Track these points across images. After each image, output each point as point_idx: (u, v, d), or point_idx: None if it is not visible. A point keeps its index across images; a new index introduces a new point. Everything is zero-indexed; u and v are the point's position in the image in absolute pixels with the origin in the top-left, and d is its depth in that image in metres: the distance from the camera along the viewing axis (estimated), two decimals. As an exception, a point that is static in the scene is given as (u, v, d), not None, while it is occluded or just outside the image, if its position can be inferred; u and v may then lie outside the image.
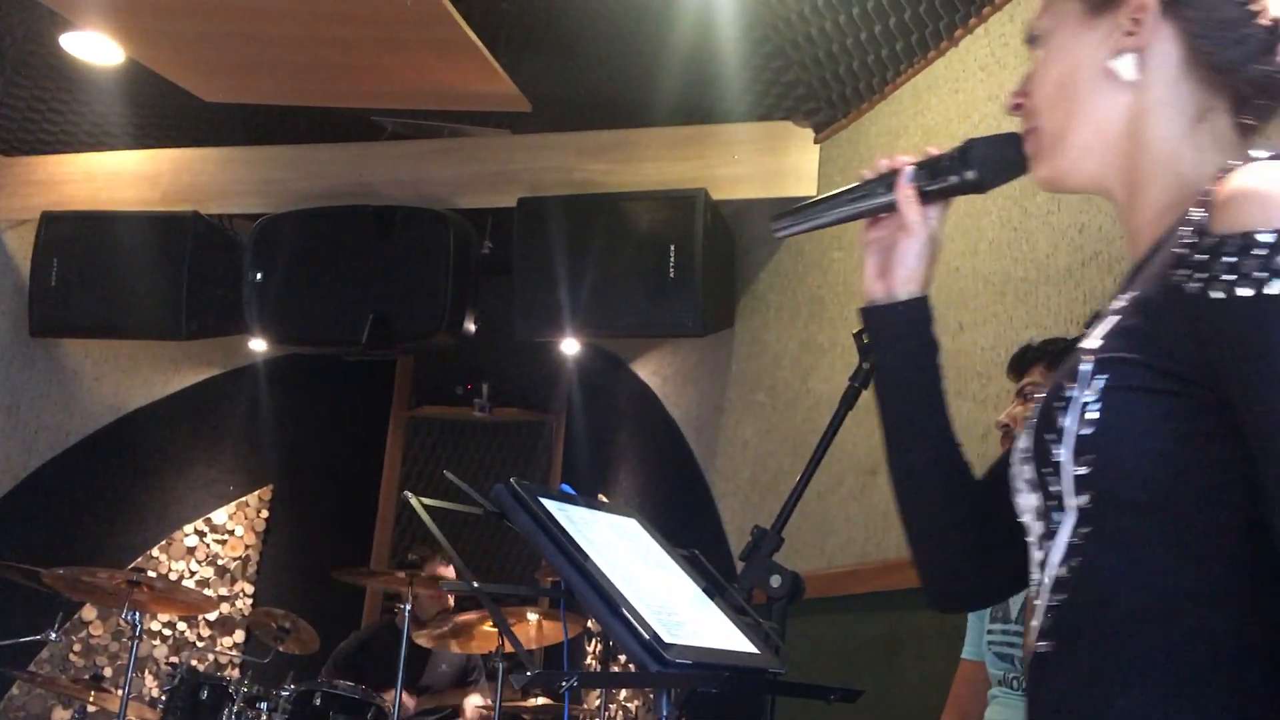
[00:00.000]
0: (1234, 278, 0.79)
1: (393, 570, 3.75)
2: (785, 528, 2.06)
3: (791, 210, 1.21)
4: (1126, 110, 0.96)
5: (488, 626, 3.81)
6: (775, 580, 1.85)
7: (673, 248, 3.76)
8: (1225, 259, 0.80)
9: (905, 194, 1.12)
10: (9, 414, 4.64)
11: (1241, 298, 0.79)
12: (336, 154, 4.32)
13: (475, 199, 4.18)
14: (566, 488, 1.46)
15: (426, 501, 1.21)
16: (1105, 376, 0.86)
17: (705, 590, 1.48)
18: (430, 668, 4.37)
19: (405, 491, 1.27)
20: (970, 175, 1.12)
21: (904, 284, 1.14)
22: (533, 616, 3.78)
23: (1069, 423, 0.87)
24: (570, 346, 4.67)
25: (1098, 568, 0.88)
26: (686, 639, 1.26)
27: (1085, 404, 0.87)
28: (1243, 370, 0.80)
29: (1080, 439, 0.87)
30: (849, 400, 1.96)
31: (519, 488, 1.32)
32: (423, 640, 3.87)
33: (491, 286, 4.27)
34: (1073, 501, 0.88)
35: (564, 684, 1.08)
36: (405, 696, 3.66)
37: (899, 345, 1.16)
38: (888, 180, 1.14)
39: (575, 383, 5.27)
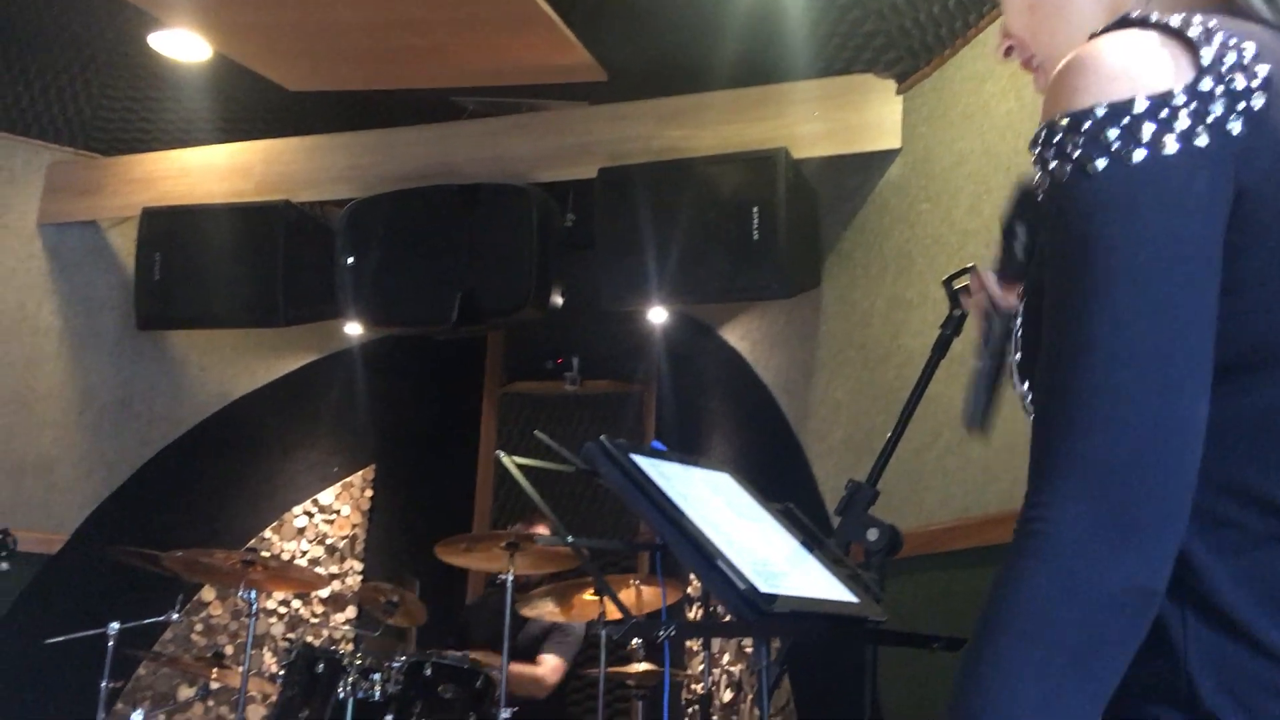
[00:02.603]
0: (1048, 163, 0.81)
1: (493, 543, 3.81)
2: (880, 482, 2.04)
3: (970, 412, 1.17)
4: (1105, 4, 0.94)
5: (588, 595, 3.86)
6: (872, 534, 1.84)
7: (755, 210, 3.72)
8: (1040, 146, 0.82)
9: (1007, 298, 1.08)
10: (122, 406, 4.82)
11: (1054, 184, 0.81)
12: (419, 136, 4.38)
13: (556, 172, 4.20)
14: (658, 444, 1.47)
15: (520, 461, 1.23)
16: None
17: (803, 543, 1.48)
18: (524, 635, 4.44)
19: (498, 451, 1.29)
20: (1023, 238, 1.07)
21: None
22: (633, 584, 3.82)
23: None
24: (657, 315, 4.68)
25: None
26: (786, 589, 1.26)
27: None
28: (1048, 257, 0.82)
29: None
30: (941, 348, 1.94)
31: (610, 445, 1.33)
32: (526, 610, 3.94)
33: (577, 259, 4.29)
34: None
35: (661, 633, 1.09)
36: (510, 666, 3.73)
37: None
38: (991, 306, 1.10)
39: (664, 352, 5.27)
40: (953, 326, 1.80)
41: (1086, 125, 0.78)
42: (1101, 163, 0.77)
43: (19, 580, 4.37)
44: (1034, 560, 0.76)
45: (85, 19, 3.94)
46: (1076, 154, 0.78)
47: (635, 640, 3.87)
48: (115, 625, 3.74)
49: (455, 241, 4.12)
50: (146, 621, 3.89)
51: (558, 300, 4.16)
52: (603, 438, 1.32)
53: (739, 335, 4.64)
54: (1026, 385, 0.88)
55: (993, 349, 1.09)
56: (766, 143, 3.77)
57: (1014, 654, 0.74)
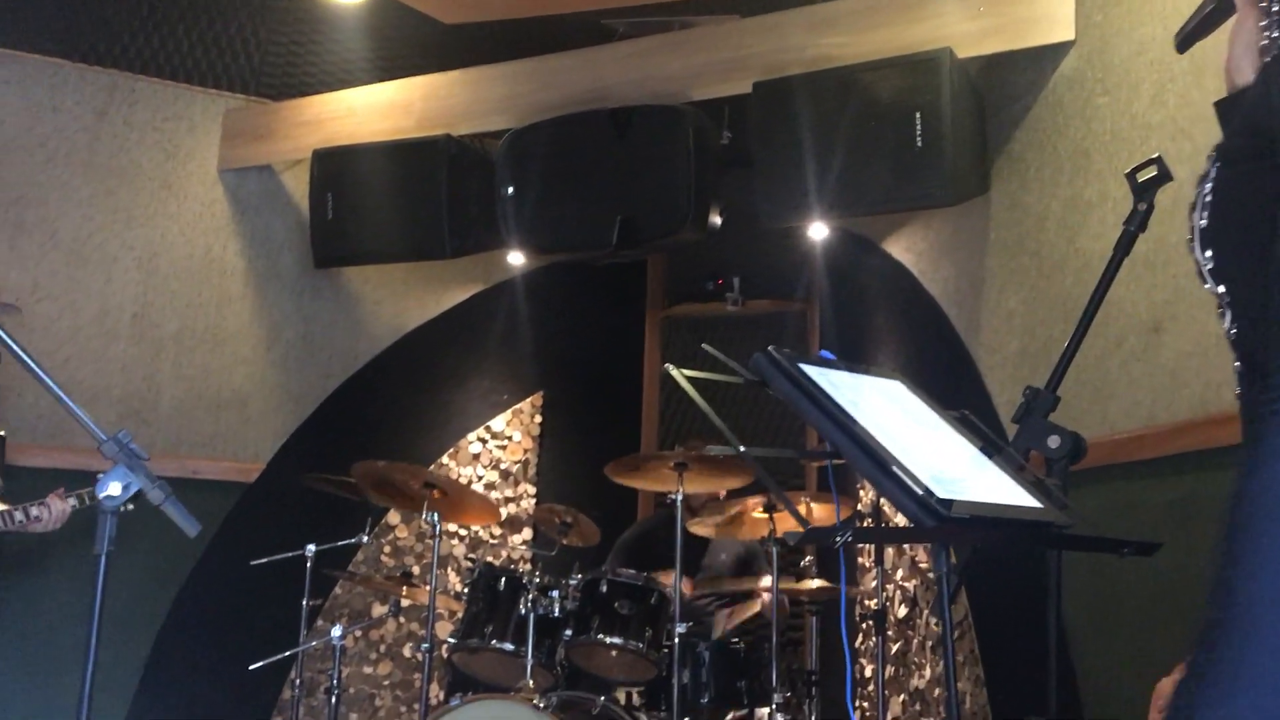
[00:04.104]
0: None
1: (661, 463, 3.86)
2: (1060, 388, 1.96)
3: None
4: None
5: (757, 513, 3.88)
6: (1053, 440, 1.77)
7: (918, 115, 3.59)
8: None
9: None
10: (305, 342, 5.06)
11: None
12: (572, 61, 4.37)
13: (710, 89, 4.13)
14: (826, 353, 1.44)
15: (688, 373, 1.22)
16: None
17: (981, 449, 1.44)
18: (710, 556, 4.50)
19: (667, 364, 1.29)
20: None
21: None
22: (803, 501, 3.81)
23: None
24: (818, 231, 4.59)
25: None
26: (964, 495, 1.23)
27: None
28: None
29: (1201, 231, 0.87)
30: (1125, 246, 1.84)
31: (778, 354, 1.32)
32: (696, 528, 3.99)
33: (735, 177, 4.24)
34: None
35: (838, 538, 1.08)
36: (684, 582, 3.79)
37: None
38: None
39: (825, 268, 5.18)
40: (1138, 222, 1.70)
41: None
42: None
43: (225, 505, 4.69)
44: None
45: (249, -32, 4.08)
46: None
47: (808, 557, 3.88)
48: (312, 547, 3.98)
49: (612, 166, 4.12)
50: (340, 544, 4.13)
51: (716, 220, 4.13)
52: (770, 348, 1.30)
53: (903, 247, 4.52)
54: (1209, 253, 0.83)
55: None
56: (927, 44, 3.61)
57: None
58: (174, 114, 4.81)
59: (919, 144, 3.58)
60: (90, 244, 4.63)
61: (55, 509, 3.15)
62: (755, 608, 4.03)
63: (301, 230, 4.86)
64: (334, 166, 4.65)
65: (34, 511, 3.08)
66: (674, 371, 1.27)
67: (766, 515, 3.76)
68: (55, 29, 4.42)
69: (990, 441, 1.43)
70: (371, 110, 4.70)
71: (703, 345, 1.34)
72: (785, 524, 3.79)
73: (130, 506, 1.93)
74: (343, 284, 5.12)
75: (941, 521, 1.15)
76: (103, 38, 4.52)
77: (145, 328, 4.72)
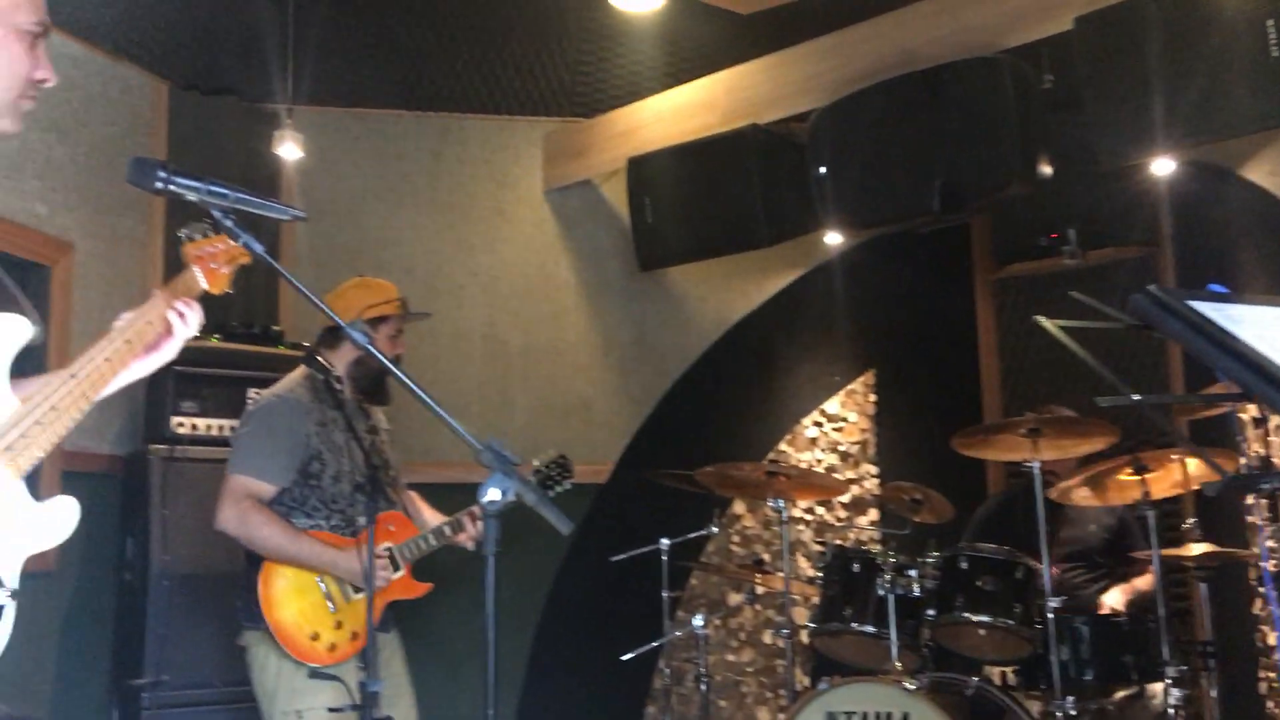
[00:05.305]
0: None
1: (1012, 430, 3.67)
2: None
3: None
4: None
5: (1124, 475, 3.61)
6: None
7: (1270, 24, 3.22)
8: None
9: None
10: (638, 344, 5.25)
11: None
12: (871, 30, 4.26)
13: (1024, 33, 3.89)
14: (1216, 287, 1.31)
15: (1060, 323, 1.15)
16: None
17: None
18: (1075, 527, 4.22)
19: (1037, 316, 1.22)
20: None
21: None
22: (1174, 459, 3.50)
23: None
24: (1162, 167, 4.21)
25: None
26: None
27: None
28: None
29: None
30: None
31: (1161, 293, 1.21)
32: (1058, 496, 3.76)
33: (1062, 122, 3.97)
34: None
35: (1265, 484, 0.97)
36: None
37: None
38: None
39: (1173, 207, 4.75)
40: None
41: None
42: None
43: (580, 506, 4.94)
44: None
45: (551, -5, 4.28)
46: None
47: (1189, 520, 3.57)
48: (665, 541, 4.11)
49: (926, 129, 3.98)
50: (691, 536, 4.24)
51: (1046, 170, 3.88)
52: (1152, 286, 1.20)
53: (1267, 171, 4.06)
54: None
55: None
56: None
57: None
58: (500, 144, 5.13)
59: (1275, 53, 3.21)
60: (440, 275, 5.02)
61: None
62: (1147, 579, 3.75)
63: (624, 237, 5.05)
64: (648, 171, 4.80)
65: (464, 522, 3.23)
66: (1046, 323, 1.19)
67: (1138, 477, 3.48)
68: (394, 83, 4.83)
69: None
70: (678, 112, 4.80)
71: (1071, 293, 1.26)
72: (1160, 486, 3.51)
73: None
74: (668, 284, 5.27)
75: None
76: (433, 85, 4.90)
77: (494, 346, 5.07)
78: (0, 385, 1.61)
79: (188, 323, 1.93)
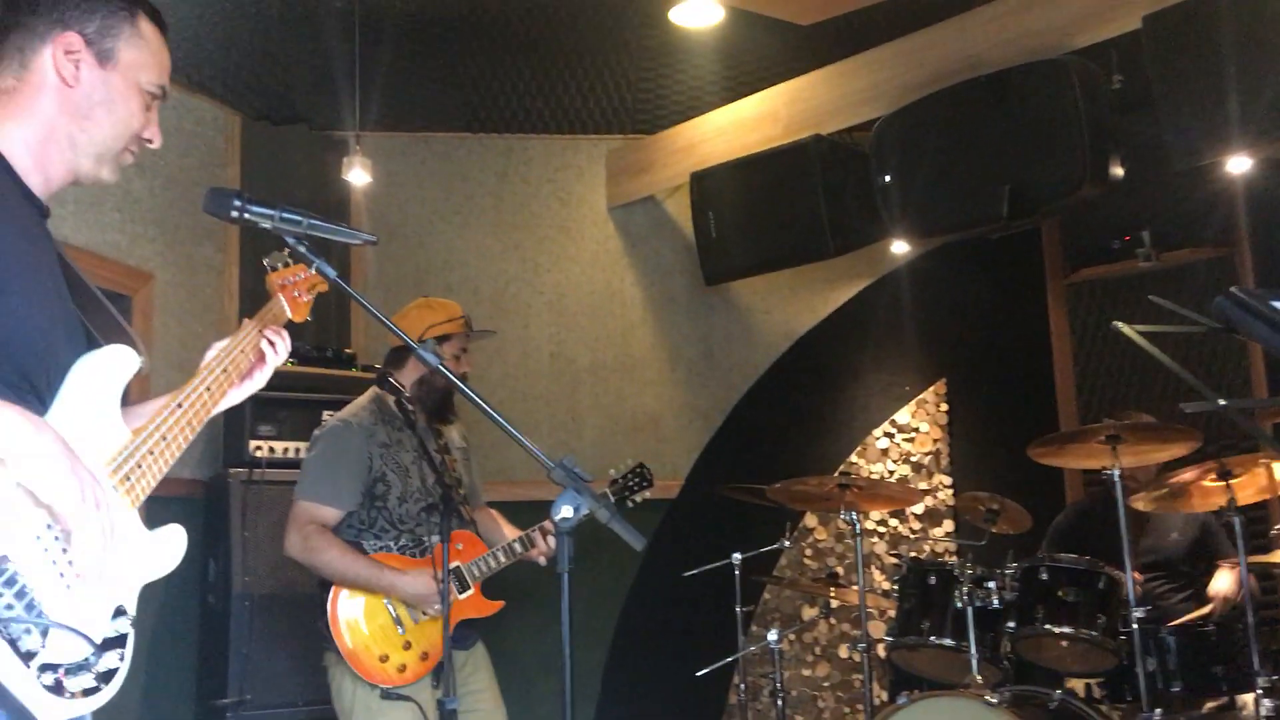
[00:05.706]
0: None
1: (1090, 438, 3.60)
2: None
3: None
4: None
5: (1207, 482, 3.51)
6: None
7: (1348, 13, 3.14)
8: None
9: None
10: (705, 359, 5.25)
11: None
12: (935, 35, 4.23)
13: (1091, 34, 3.83)
14: (1301, 287, 1.27)
15: (1139, 328, 1.12)
16: None
17: None
18: (1157, 536, 4.13)
19: (1115, 322, 1.20)
20: None
21: None
22: (1261, 464, 3.40)
23: None
24: (1238, 165, 4.10)
25: None
26: None
27: None
28: None
29: None
30: None
31: (1244, 294, 1.18)
32: (1139, 504, 3.68)
33: (1132, 122, 3.90)
34: None
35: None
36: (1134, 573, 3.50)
37: None
38: None
39: (1250, 205, 4.64)
40: None
41: None
42: None
43: (653, 521, 4.94)
44: None
45: (612, 17, 4.30)
46: None
47: (1277, 526, 3.47)
48: (737, 555, 4.09)
49: (993, 134, 3.93)
50: (763, 550, 4.21)
51: (1118, 171, 3.81)
52: (1234, 288, 1.17)
53: (1349, 165, 3.95)
54: None
55: None
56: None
57: None
58: (563, 164, 5.18)
59: (1354, 44, 3.13)
60: (507, 294, 5.07)
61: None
62: (1232, 586, 3.65)
63: (689, 252, 5.05)
64: (711, 186, 4.80)
65: (535, 538, 3.26)
66: (1124, 328, 1.17)
67: (1222, 483, 3.39)
68: (458, 107, 4.90)
69: None
70: (739, 126, 4.80)
71: (1150, 297, 1.23)
72: (1246, 492, 3.41)
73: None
74: (733, 298, 5.26)
75: None
76: (496, 108, 4.96)
77: (562, 364, 5.10)
78: (113, 415, 1.64)
79: (278, 351, 1.97)
